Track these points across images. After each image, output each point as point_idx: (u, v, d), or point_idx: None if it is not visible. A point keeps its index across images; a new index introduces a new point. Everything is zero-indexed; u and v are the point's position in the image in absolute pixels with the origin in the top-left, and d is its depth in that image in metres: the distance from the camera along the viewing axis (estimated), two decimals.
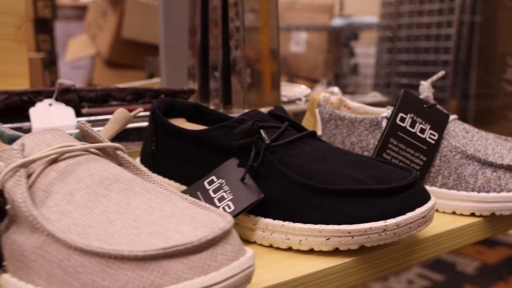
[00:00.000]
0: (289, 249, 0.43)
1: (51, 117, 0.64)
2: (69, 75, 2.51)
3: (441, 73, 0.59)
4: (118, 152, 0.40)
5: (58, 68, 2.25)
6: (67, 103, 0.65)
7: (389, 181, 0.42)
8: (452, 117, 0.55)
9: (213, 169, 0.45)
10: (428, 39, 1.70)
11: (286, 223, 0.42)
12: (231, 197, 0.43)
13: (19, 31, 0.68)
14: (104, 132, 0.41)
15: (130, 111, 0.43)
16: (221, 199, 0.43)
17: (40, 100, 0.65)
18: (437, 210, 0.52)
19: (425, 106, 0.54)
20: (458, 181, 0.51)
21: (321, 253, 0.42)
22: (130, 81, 0.99)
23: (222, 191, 0.43)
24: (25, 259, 0.33)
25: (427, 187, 0.52)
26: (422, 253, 0.46)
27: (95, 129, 0.40)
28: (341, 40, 2.35)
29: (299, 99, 0.79)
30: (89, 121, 0.64)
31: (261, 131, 0.44)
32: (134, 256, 0.30)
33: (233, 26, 0.70)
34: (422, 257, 0.46)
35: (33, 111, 0.63)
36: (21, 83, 0.70)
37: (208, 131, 0.47)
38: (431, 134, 0.53)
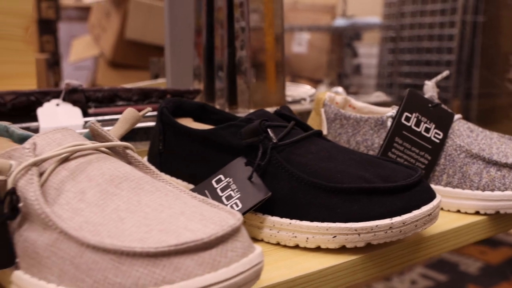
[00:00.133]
0: (296, 246, 0.43)
1: (58, 117, 0.64)
2: (73, 76, 2.51)
3: (445, 73, 0.60)
4: (128, 151, 0.40)
5: (62, 69, 2.26)
6: (74, 103, 0.66)
7: (395, 180, 0.42)
8: (457, 116, 0.56)
9: (221, 168, 0.46)
10: (430, 39, 1.71)
11: (293, 221, 0.42)
12: (238, 195, 0.43)
13: (27, 32, 0.69)
14: (113, 132, 0.42)
15: (139, 111, 0.43)
16: (229, 197, 0.43)
17: (48, 100, 0.65)
18: (442, 209, 0.53)
19: (430, 105, 0.55)
20: (462, 180, 0.51)
21: (327, 250, 0.42)
22: (134, 81, 0.99)
23: (229, 189, 0.44)
24: (37, 256, 0.33)
25: (432, 186, 0.53)
26: (428, 250, 0.47)
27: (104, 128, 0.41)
28: (344, 40, 2.35)
29: (304, 99, 0.79)
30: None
31: (268, 130, 0.45)
32: (146, 253, 0.30)
33: (238, 27, 0.70)
34: (428, 255, 0.47)
35: (40, 111, 0.64)
36: (28, 84, 0.71)
37: (215, 130, 0.47)
38: (436, 133, 0.53)
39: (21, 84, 0.71)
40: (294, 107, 0.77)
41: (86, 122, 0.65)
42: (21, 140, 0.45)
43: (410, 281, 1.60)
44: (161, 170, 0.52)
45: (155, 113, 0.53)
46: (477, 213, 0.52)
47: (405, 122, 0.53)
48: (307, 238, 0.42)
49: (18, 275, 0.34)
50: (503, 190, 0.50)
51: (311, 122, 0.60)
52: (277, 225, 0.43)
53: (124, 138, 0.43)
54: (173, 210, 0.34)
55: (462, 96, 1.58)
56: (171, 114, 0.53)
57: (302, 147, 0.45)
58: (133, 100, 0.69)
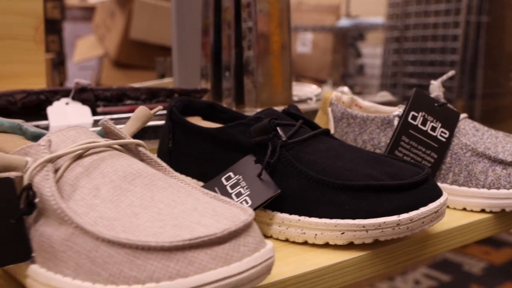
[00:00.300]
0: (305, 243, 0.44)
1: (67, 116, 0.65)
2: (77, 76, 2.52)
3: (451, 73, 0.60)
4: (140, 148, 0.41)
5: (66, 69, 2.27)
6: (84, 102, 0.67)
7: (402, 177, 0.43)
8: (463, 115, 0.56)
9: (230, 166, 0.47)
10: (435, 40, 1.71)
11: (302, 218, 0.43)
12: (248, 192, 0.44)
13: (37, 32, 0.70)
14: (125, 129, 0.43)
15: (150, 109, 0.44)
16: (239, 194, 0.44)
17: (57, 99, 0.66)
18: (448, 207, 0.54)
19: (436, 104, 0.55)
20: (468, 178, 0.52)
21: (336, 247, 0.43)
22: (138, 81, 1.00)
23: (239, 186, 0.44)
24: (53, 250, 0.34)
25: (438, 184, 0.53)
26: (434, 247, 0.47)
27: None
28: (348, 40, 2.36)
29: (310, 99, 0.80)
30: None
31: (278, 128, 0.46)
32: (160, 247, 0.31)
33: (245, 27, 0.71)
34: (434, 252, 0.47)
35: (50, 110, 0.65)
36: (38, 83, 0.72)
37: (225, 128, 0.48)
38: (442, 132, 0.54)
39: (31, 83, 0.72)
40: (301, 107, 0.78)
41: (95, 120, 0.66)
42: (34, 137, 0.46)
43: (414, 281, 1.60)
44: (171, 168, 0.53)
45: (164, 112, 0.54)
46: (483, 211, 0.52)
47: (412, 121, 0.54)
48: (316, 235, 0.43)
49: (34, 269, 0.35)
50: (508, 188, 0.51)
51: (318, 121, 0.61)
52: (286, 222, 0.44)
53: (133, 136, 0.43)
54: (186, 206, 0.35)
55: (466, 96, 1.58)
56: (180, 113, 0.54)
57: (310, 145, 0.46)
58: (141, 99, 0.70)
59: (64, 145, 0.38)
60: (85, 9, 2.88)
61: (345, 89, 0.72)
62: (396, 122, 0.55)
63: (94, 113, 0.68)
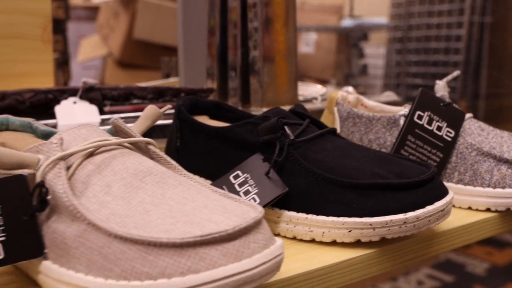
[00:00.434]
0: (312, 241, 0.44)
1: (75, 115, 0.65)
2: (81, 75, 2.53)
3: (456, 73, 0.61)
4: (150, 146, 0.41)
5: (70, 68, 2.28)
6: (91, 101, 0.67)
7: (409, 176, 0.43)
8: (468, 115, 0.57)
9: (237, 165, 0.47)
10: (438, 40, 1.71)
11: (310, 216, 0.44)
12: (256, 190, 0.44)
13: (45, 31, 0.71)
14: (135, 128, 0.43)
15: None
16: (247, 192, 0.45)
17: (65, 98, 0.67)
18: (453, 206, 0.54)
19: (441, 104, 0.56)
20: (474, 177, 0.52)
21: (343, 244, 0.43)
22: (142, 81, 1.01)
23: (247, 185, 0.45)
24: (66, 246, 0.35)
25: (444, 183, 0.54)
26: (440, 246, 0.48)
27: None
28: (351, 41, 2.36)
29: (315, 98, 0.81)
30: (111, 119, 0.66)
31: (285, 127, 0.46)
32: (172, 243, 0.31)
33: (251, 27, 0.71)
34: (440, 250, 0.48)
35: (58, 109, 0.65)
36: (46, 82, 0.73)
37: (232, 127, 0.48)
38: (447, 131, 0.54)
39: (39, 82, 0.72)
40: (306, 106, 0.79)
41: (102, 119, 0.66)
42: (44, 136, 0.47)
43: (417, 281, 1.60)
44: None
45: (171, 111, 0.54)
46: (488, 210, 0.53)
47: (418, 121, 0.54)
48: (323, 232, 0.43)
49: (47, 265, 0.36)
50: None
51: (324, 120, 0.61)
52: (294, 220, 0.44)
53: (142, 135, 0.44)
54: (196, 203, 0.35)
55: (469, 96, 1.58)
56: (187, 112, 0.54)
57: (317, 144, 0.47)
58: (147, 98, 0.70)
59: (76, 143, 0.39)
60: (89, 9, 2.89)
61: (350, 89, 0.72)
62: (402, 121, 0.55)
63: (101, 112, 0.68)
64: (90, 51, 2.56)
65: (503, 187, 0.51)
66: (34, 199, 0.36)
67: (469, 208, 0.53)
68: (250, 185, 0.45)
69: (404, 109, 0.56)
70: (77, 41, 2.72)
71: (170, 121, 0.58)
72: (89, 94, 0.67)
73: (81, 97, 0.67)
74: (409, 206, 0.42)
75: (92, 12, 2.78)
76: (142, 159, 0.39)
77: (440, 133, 0.54)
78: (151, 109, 0.44)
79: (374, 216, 0.42)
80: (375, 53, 2.27)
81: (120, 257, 0.32)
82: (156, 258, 0.31)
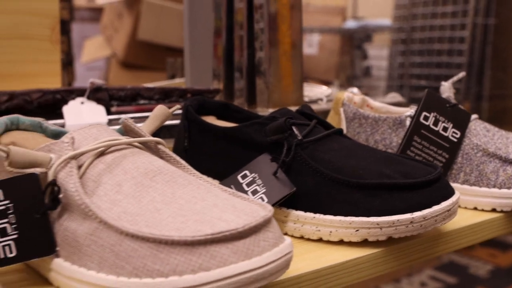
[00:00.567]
0: (320, 240, 0.45)
1: (83, 115, 0.66)
2: (85, 76, 2.54)
3: (461, 74, 0.61)
4: (160, 146, 0.42)
5: (74, 69, 2.28)
6: (98, 101, 0.68)
7: (415, 176, 0.44)
8: (474, 116, 0.57)
9: (245, 165, 0.47)
10: (441, 42, 1.71)
11: (317, 215, 0.44)
12: (264, 190, 0.45)
13: (53, 32, 0.71)
14: (144, 128, 0.44)
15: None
16: (255, 192, 0.45)
17: (73, 98, 0.67)
18: (459, 206, 0.54)
19: (447, 105, 0.56)
20: (479, 178, 0.53)
21: (350, 243, 0.44)
22: (145, 82, 1.01)
23: (255, 184, 0.45)
24: (78, 244, 0.35)
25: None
26: (447, 245, 0.48)
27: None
28: (354, 42, 2.37)
29: (321, 99, 0.81)
30: (119, 119, 0.67)
31: (293, 127, 0.46)
32: (183, 241, 0.32)
33: (258, 28, 0.72)
34: (446, 250, 0.48)
35: (66, 109, 0.66)
36: (54, 82, 0.73)
37: (240, 127, 0.49)
38: (453, 132, 0.55)
39: (47, 82, 0.73)
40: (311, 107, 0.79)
41: (109, 120, 0.67)
42: (54, 135, 0.47)
43: (420, 283, 1.60)
44: None
45: (178, 111, 0.55)
46: (494, 210, 0.53)
47: (424, 121, 0.54)
48: (331, 232, 0.44)
49: (58, 263, 0.36)
50: None
51: (330, 121, 0.62)
52: (301, 219, 0.45)
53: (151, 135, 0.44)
54: (206, 202, 0.36)
55: (473, 98, 1.59)
56: (195, 112, 0.55)
57: (325, 144, 0.47)
58: (154, 99, 0.71)
59: (86, 142, 0.39)
60: (92, 10, 2.90)
61: (355, 90, 0.73)
62: (408, 122, 0.56)
63: (108, 112, 0.69)
64: (94, 52, 2.57)
65: (509, 188, 0.52)
66: (46, 198, 0.36)
67: (475, 208, 0.54)
68: (258, 185, 0.45)
69: (410, 110, 0.57)
70: (80, 42, 2.73)
71: (177, 122, 0.58)
72: (97, 94, 0.68)
73: (89, 98, 0.68)
74: (415, 206, 0.42)
75: (96, 13, 2.79)
76: (152, 158, 0.40)
77: (446, 134, 0.55)
78: (160, 109, 0.44)
79: (381, 215, 0.42)
80: (379, 54, 2.27)
81: (132, 255, 0.33)
82: (167, 256, 0.32)
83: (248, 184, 0.46)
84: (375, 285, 1.58)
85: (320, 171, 0.44)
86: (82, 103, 0.67)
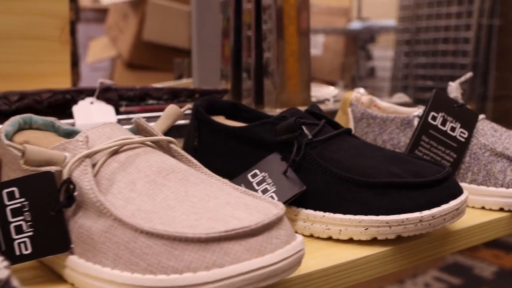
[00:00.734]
0: (329, 238, 0.45)
1: (92, 115, 0.67)
2: (90, 77, 2.55)
3: (469, 75, 0.61)
4: (171, 145, 0.42)
5: (80, 70, 2.29)
6: (108, 101, 0.68)
7: (424, 175, 0.44)
8: (481, 116, 0.57)
9: (255, 164, 0.48)
10: (446, 42, 1.72)
11: (327, 214, 0.44)
12: (274, 189, 0.45)
13: (63, 32, 0.72)
14: (156, 127, 0.44)
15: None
16: (265, 191, 0.45)
17: (82, 99, 0.68)
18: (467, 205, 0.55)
19: (455, 105, 0.56)
20: (487, 177, 0.53)
21: (359, 242, 0.44)
22: (150, 82, 1.02)
23: (265, 183, 0.46)
24: (92, 241, 0.36)
25: None
26: (455, 244, 0.48)
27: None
28: (359, 43, 2.37)
29: (328, 100, 0.81)
30: (128, 119, 0.67)
31: (303, 127, 0.47)
32: (197, 238, 0.32)
33: (265, 29, 0.72)
34: (454, 249, 0.48)
35: (75, 109, 0.66)
36: (63, 82, 0.74)
37: (250, 127, 0.49)
38: (461, 132, 0.55)
39: (57, 83, 0.73)
40: None
41: (118, 120, 0.67)
42: (66, 134, 0.48)
43: (424, 284, 1.60)
44: None
45: (187, 111, 0.55)
46: (501, 209, 0.53)
47: (432, 121, 0.55)
48: (340, 230, 0.44)
49: (73, 260, 0.37)
50: None
51: (338, 121, 0.62)
52: (311, 218, 0.45)
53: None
54: (219, 200, 0.36)
55: (477, 98, 1.59)
56: (205, 112, 0.55)
57: (334, 143, 0.47)
58: (163, 99, 0.71)
59: (100, 141, 0.40)
60: (97, 10, 2.91)
61: (361, 90, 0.73)
62: (416, 122, 0.56)
63: (117, 112, 0.69)
64: (99, 52, 2.58)
65: None
66: (61, 195, 0.37)
67: (482, 208, 0.54)
68: (268, 184, 0.46)
69: (418, 110, 0.57)
70: (85, 42, 2.74)
71: (186, 122, 0.59)
72: (106, 94, 0.68)
73: (98, 98, 0.68)
74: (424, 204, 0.43)
75: (101, 14, 2.80)
76: (165, 157, 0.40)
77: (453, 134, 0.55)
78: (172, 108, 0.45)
79: (390, 214, 0.43)
80: (383, 55, 2.27)
81: (146, 252, 0.33)
82: (181, 252, 0.32)
83: (258, 183, 0.46)
84: (379, 286, 1.58)
85: (329, 170, 0.45)
86: (91, 103, 0.68)
